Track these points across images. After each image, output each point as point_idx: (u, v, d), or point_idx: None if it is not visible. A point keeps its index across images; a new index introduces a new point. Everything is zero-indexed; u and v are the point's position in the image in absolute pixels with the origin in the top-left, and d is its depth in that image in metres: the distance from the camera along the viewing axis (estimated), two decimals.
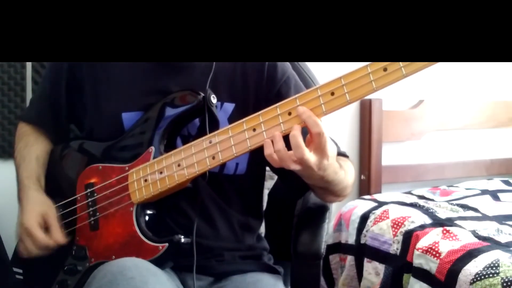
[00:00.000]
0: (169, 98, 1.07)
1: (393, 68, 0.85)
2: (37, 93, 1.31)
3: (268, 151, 0.90)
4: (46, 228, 1.08)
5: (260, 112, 0.95)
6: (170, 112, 1.06)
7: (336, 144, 1.16)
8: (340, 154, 1.14)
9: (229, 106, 1.12)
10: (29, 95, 1.70)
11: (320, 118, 0.93)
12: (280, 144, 0.90)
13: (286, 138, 0.92)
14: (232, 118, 1.08)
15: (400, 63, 0.85)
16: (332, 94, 0.89)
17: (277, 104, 0.93)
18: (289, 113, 0.92)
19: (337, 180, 1.00)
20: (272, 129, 0.93)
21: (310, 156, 0.88)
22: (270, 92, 1.13)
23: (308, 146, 0.89)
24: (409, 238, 1.72)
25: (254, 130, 0.95)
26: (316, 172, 0.91)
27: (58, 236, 1.07)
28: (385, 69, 0.86)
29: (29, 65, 1.70)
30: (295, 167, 0.90)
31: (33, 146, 1.19)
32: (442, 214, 1.88)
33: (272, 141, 0.91)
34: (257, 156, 1.12)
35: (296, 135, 0.88)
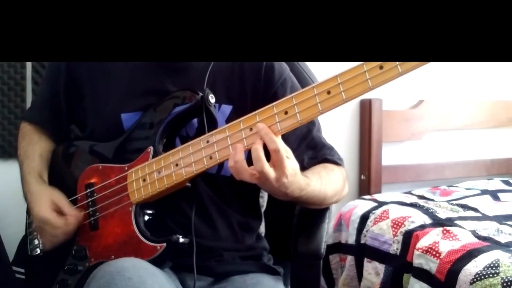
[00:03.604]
0: (167, 98, 1.07)
1: (389, 66, 0.85)
2: (38, 93, 1.32)
3: (230, 162, 0.94)
4: (59, 212, 1.08)
5: (256, 112, 0.95)
6: (168, 112, 1.06)
7: (330, 149, 1.16)
8: (330, 161, 1.14)
9: (227, 108, 1.12)
10: (29, 95, 1.70)
11: (316, 117, 0.94)
12: (238, 156, 0.93)
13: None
14: (230, 120, 1.08)
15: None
16: (328, 93, 0.89)
17: (274, 103, 0.93)
18: (286, 112, 0.92)
19: (305, 196, 1.01)
20: (269, 128, 0.93)
21: (270, 170, 0.91)
22: (267, 94, 1.13)
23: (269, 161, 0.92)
24: (409, 238, 1.72)
25: (251, 129, 0.95)
26: (277, 188, 0.93)
27: (73, 213, 1.08)
28: (381, 67, 0.85)
29: (29, 65, 1.70)
30: (251, 179, 0.92)
31: (37, 144, 1.20)
32: (442, 214, 1.88)
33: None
34: None
35: (258, 148, 0.91)
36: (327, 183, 1.07)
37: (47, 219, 1.07)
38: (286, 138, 0.96)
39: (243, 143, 0.95)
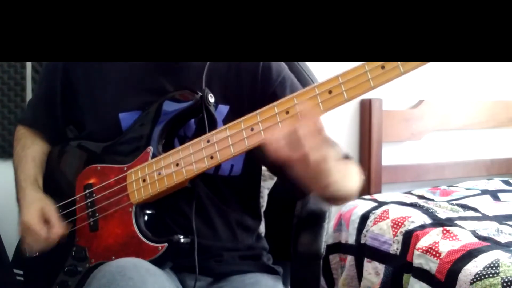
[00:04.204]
0: (166, 98, 1.07)
1: (391, 66, 0.85)
2: (33, 95, 1.31)
3: (269, 136, 0.87)
4: (46, 223, 1.08)
5: (257, 111, 0.94)
6: (168, 111, 1.06)
7: (337, 145, 1.15)
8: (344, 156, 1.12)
9: (224, 108, 1.12)
10: (29, 95, 1.70)
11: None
12: (280, 130, 0.85)
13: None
14: (227, 120, 1.08)
15: None
16: (330, 92, 0.89)
17: (275, 103, 0.93)
18: (287, 112, 0.92)
19: (341, 190, 0.96)
20: (270, 128, 0.93)
21: (312, 151, 0.83)
22: (265, 94, 1.12)
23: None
24: (409, 238, 1.72)
25: (252, 129, 0.94)
26: (317, 172, 0.87)
27: (58, 226, 1.08)
28: (382, 67, 0.85)
29: (29, 65, 1.70)
30: (295, 158, 0.84)
31: (30, 148, 1.19)
32: (442, 214, 1.88)
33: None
34: (252, 157, 1.12)
35: (299, 128, 0.83)
36: (351, 174, 1.03)
37: (30, 225, 1.07)
38: None
39: (244, 143, 0.95)
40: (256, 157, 1.14)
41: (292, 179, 0.91)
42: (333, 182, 0.89)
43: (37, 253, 1.11)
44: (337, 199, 1.03)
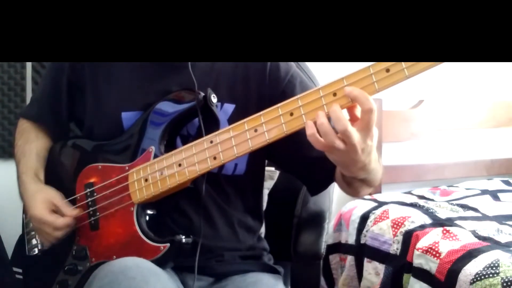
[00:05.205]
0: (168, 98, 1.07)
1: (396, 69, 0.84)
2: (38, 90, 1.31)
3: (310, 131, 0.86)
4: (55, 211, 1.08)
5: (261, 113, 0.94)
6: (169, 111, 1.06)
7: None
8: None
9: (229, 107, 1.12)
10: (29, 95, 1.70)
11: None
12: (324, 119, 0.86)
13: (287, 140, 0.93)
14: (232, 119, 1.08)
15: (403, 64, 0.84)
16: (334, 95, 0.88)
17: (279, 105, 0.93)
18: (291, 114, 0.92)
19: (376, 169, 0.97)
20: (274, 130, 0.93)
21: (354, 131, 0.84)
22: (274, 92, 1.11)
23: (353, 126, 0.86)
24: (409, 238, 1.72)
25: (256, 130, 0.94)
26: (359, 155, 0.87)
27: (70, 211, 1.08)
28: (387, 70, 0.85)
29: (29, 65, 1.70)
30: (339, 144, 0.85)
31: (33, 142, 1.19)
32: (442, 214, 1.88)
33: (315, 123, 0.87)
34: (256, 157, 1.12)
35: (337, 109, 0.84)
36: (379, 161, 1.02)
37: (44, 219, 1.07)
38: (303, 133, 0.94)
39: (248, 144, 0.95)
40: (266, 155, 1.15)
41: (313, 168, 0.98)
42: (369, 162, 0.90)
43: (56, 242, 1.10)
44: (368, 183, 1.03)
